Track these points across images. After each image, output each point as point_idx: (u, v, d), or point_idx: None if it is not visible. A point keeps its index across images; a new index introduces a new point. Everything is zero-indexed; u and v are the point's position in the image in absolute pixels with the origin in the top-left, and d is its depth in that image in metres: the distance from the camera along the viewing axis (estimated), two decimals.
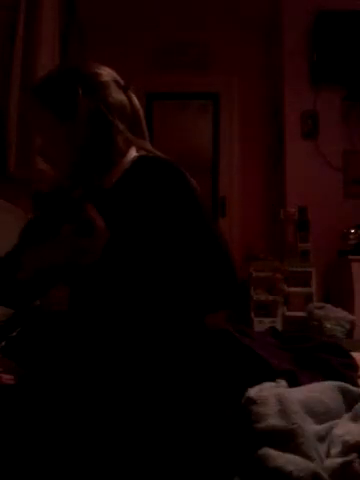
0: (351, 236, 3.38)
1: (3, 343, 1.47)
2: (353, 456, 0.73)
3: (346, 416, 0.89)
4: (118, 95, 1.04)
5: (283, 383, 1.03)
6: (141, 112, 1.10)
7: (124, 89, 1.07)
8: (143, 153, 1.07)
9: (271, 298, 3.34)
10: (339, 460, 0.74)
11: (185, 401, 0.86)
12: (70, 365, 0.90)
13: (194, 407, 0.88)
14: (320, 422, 0.86)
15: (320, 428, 0.84)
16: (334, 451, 0.77)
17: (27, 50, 2.56)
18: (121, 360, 0.88)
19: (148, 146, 1.10)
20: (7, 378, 0.93)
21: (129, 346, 0.90)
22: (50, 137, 1.04)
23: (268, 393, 0.89)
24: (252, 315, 3.31)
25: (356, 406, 0.88)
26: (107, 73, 1.06)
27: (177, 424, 0.82)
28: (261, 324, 3.18)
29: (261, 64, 4.07)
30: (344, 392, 0.95)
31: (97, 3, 3.85)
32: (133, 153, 1.06)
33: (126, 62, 4.15)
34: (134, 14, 3.99)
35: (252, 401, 0.87)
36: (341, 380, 1.01)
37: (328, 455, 0.78)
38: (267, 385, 1.01)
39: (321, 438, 0.82)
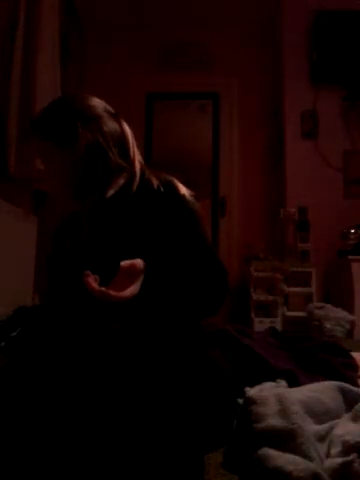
0: (351, 236, 3.37)
1: (3, 343, 1.47)
2: (353, 456, 0.73)
3: (346, 416, 0.89)
4: (110, 123, 1.15)
5: (283, 383, 1.03)
6: (129, 136, 1.19)
7: (114, 116, 1.18)
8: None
9: (271, 298, 3.35)
10: (339, 460, 0.73)
11: (185, 401, 0.87)
12: (70, 365, 0.90)
13: (194, 407, 0.88)
14: (320, 422, 0.86)
15: (320, 428, 0.84)
16: (334, 451, 0.77)
17: (27, 50, 2.56)
18: (120, 361, 0.88)
19: (137, 169, 1.17)
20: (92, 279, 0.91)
21: (128, 347, 0.90)
22: (51, 164, 1.16)
23: (268, 393, 0.89)
24: (252, 315, 3.31)
25: (356, 406, 0.88)
26: (99, 105, 1.17)
27: (176, 424, 0.82)
28: (261, 324, 3.18)
29: (261, 64, 4.07)
30: (344, 392, 0.95)
31: (97, 3, 3.85)
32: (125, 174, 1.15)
33: (126, 62, 4.17)
34: (134, 14, 4.00)
35: (252, 401, 0.87)
36: (341, 380, 1.01)
37: (328, 455, 0.78)
38: (267, 385, 1.01)
39: (321, 438, 0.82)
